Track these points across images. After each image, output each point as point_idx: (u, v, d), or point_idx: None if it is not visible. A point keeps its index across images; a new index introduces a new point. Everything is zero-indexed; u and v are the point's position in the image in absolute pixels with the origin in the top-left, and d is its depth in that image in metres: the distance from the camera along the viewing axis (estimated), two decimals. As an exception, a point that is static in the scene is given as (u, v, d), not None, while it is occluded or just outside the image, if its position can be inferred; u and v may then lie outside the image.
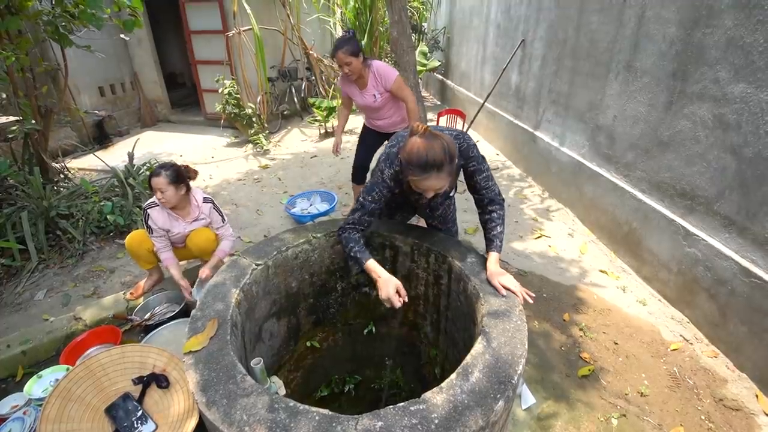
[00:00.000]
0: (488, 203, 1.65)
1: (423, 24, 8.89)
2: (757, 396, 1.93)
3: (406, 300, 1.47)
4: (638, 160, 2.80)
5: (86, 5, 3.22)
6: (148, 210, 2.30)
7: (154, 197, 2.32)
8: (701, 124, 2.28)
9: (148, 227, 2.32)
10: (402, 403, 1.01)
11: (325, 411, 1.00)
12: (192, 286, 2.34)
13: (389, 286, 1.45)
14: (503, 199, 1.68)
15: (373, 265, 1.52)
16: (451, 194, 1.82)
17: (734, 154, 2.10)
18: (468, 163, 1.60)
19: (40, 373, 1.85)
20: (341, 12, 7.31)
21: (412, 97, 2.81)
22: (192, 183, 2.40)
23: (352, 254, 1.55)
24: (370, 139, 3.16)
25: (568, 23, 3.54)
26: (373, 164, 2.24)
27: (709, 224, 2.27)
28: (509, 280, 1.45)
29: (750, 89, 1.99)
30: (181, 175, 2.25)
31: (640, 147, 2.76)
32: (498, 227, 1.61)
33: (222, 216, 2.50)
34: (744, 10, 2.00)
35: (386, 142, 1.70)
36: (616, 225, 3.04)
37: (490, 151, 5.50)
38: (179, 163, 2.35)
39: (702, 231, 2.32)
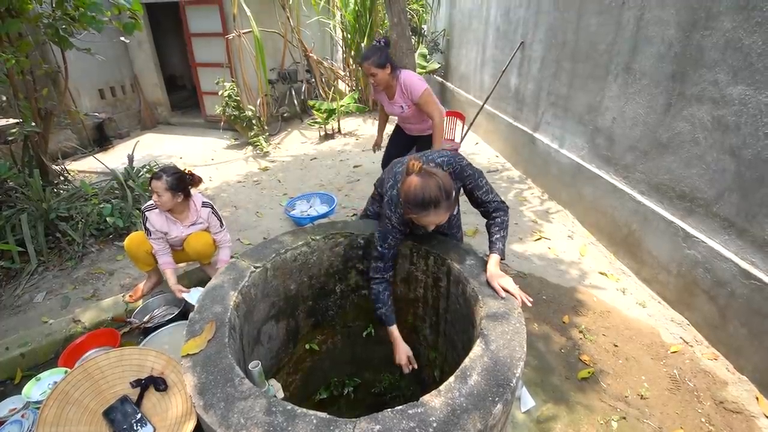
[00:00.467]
0: (492, 212, 1.68)
1: (422, 26, 8.90)
2: (757, 398, 1.93)
3: (416, 367, 1.69)
4: (637, 162, 2.80)
5: (86, 8, 3.23)
6: (146, 212, 2.31)
7: (153, 200, 2.33)
8: (700, 126, 2.28)
9: (146, 229, 2.33)
10: (400, 407, 1.01)
11: (323, 414, 1.00)
12: (189, 289, 2.34)
13: (402, 354, 1.66)
14: (507, 206, 1.71)
15: (394, 331, 1.68)
16: (454, 212, 1.83)
17: (733, 156, 2.10)
18: (465, 183, 1.64)
19: (38, 375, 1.85)
20: (341, 14, 7.33)
21: (438, 112, 2.72)
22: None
23: (378, 314, 1.67)
24: (401, 139, 3.20)
25: (567, 26, 3.54)
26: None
27: (709, 226, 2.27)
28: (508, 283, 1.46)
29: (749, 91, 1.99)
30: (182, 183, 2.26)
31: (640, 149, 2.76)
32: (501, 231, 1.63)
33: (221, 221, 2.50)
34: (742, 12, 2.00)
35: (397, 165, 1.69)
36: (616, 227, 3.04)
37: (489, 152, 5.50)
38: (180, 166, 2.35)
39: (701, 233, 2.31)
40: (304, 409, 1.01)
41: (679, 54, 2.39)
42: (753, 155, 1.99)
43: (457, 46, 7.02)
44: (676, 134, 2.45)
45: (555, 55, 3.78)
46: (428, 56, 8.04)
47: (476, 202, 1.70)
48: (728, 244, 2.16)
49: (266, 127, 6.19)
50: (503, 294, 1.43)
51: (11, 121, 4.14)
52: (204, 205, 2.44)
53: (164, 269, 2.39)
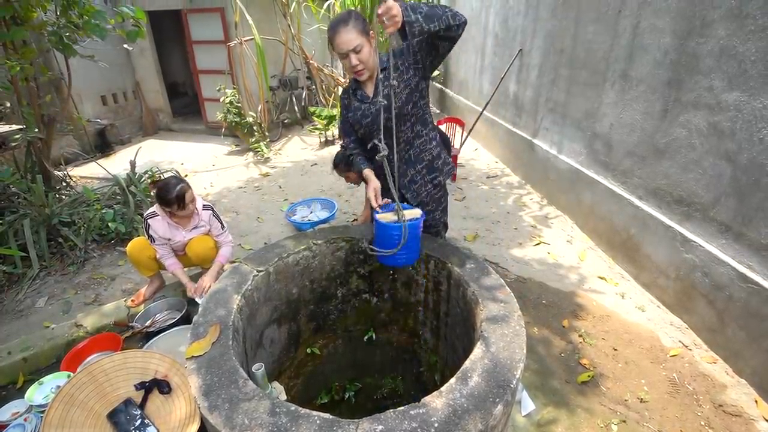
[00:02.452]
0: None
1: (422, 33, 8.97)
2: (756, 401, 1.94)
3: (380, 203, 1.68)
4: (635, 168, 2.83)
5: (90, 16, 3.28)
6: (148, 220, 2.33)
7: (155, 208, 2.35)
8: (696, 132, 2.31)
9: (150, 236, 2.35)
10: (402, 407, 1.02)
11: (326, 415, 1.01)
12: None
13: (371, 189, 1.72)
14: (456, 13, 1.45)
15: (368, 172, 1.79)
16: (369, 46, 1.60)
17: (729, 161, 2.13)
18: (405, 47, 1.62)
19: (41, 380, 1.86)
20: (341, 22, 7.38)
21: None
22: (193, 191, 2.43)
23: (358, 167, 1.84)
24: None
25: (565, 33, 3.59)
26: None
27: (706, 230, 2.29)
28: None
29: (743, 97, 2.03)
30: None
31: (637, 154, 2.79)
32: (424, 4, 1.43)
33: (222, 223, 2.52)
34: (736, 20, 2.04)
35: None
36: (615, 232, 3.06)
37: (488, 158, 5.54)
38: (182, 172, 2.39)
39: (699, 237, 2.34)
40: (308, 410, 1.02)
41: (674, 61, 2.43)
42: (748, 160, 2.02)
43: (456, 54, 7.08)
44: (672, 140, 2.48)
45: (553, 62, 3.83)
46: (428, 63, 8.08)
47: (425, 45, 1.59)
48: (725, 248, 2.18)
49: (267, 134, 6.23)
50: (383, 12, 1.29)
51: (14, 127, 4.18)
52: (205, 207, 2.46)
53: (174, 270, 2.41)
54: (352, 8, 1.57)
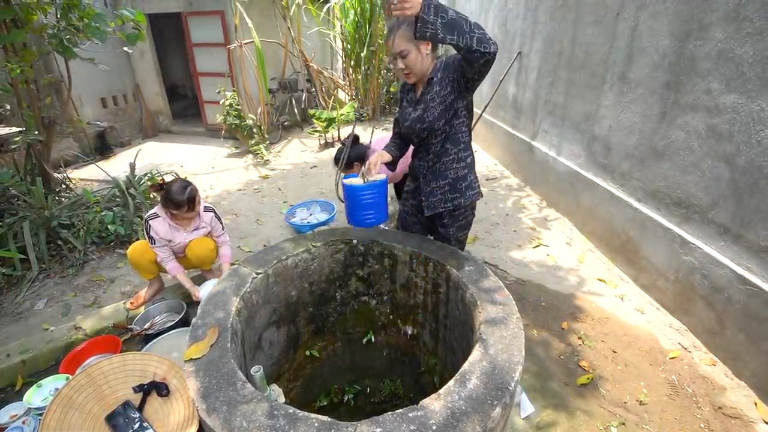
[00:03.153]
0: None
1: (421, 36, 9.00)
2: (756, 404, 1.94)
3: (374, 171, 1.76)
4: (634, 170, 2.83)
5: (91, 19, 3.29)
6: (149, 221, 2.33)
7: (156, 209, 2.36)
8: (695, 134, 2.32)
9: (150, 238, 2.35)
10: (400, 410, 1.02)
11: (324, 417, 1.01)
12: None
13: (374, 156, 1.81)
14: (487, 36, 1.37)
15: (383, 152, 1.86)
16: (418, 52, 1.61)
17: (727, 163, 2.13)
18: (450, 62, 1.66)
19: (39, 382, 1.86)
20: (341, 25, 7.42)
21: None
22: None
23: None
24: None
25: (564, 36, 3.61)
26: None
27: (705, 232, 2.30)
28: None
29: (741, 100, 2.03)
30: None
31: (636, 156, 2.80)
32: (453, 12, 1.33)
33: (222, 224, 2.55)
34: (734, 23, 2.05)
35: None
36: (614, 234, 3.06)
37: (488, 160, 5.55)
38: (181, 174, 2.40)
39: (698, 239, 2.34)
40: (306, 413, 1.02)
41: (673, 63, 2.44)
42: (747, 162, 2.03)
43: (456, 56, 7.10)
44: (671, 142, 2.49)
45: (552, 65, 3.84)
46: (427, 65, 8.11)
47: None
48: (724, 250, 2.18)
49: (267, 136, 6.24)
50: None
51: (14, 129, 4.18)
52: (206, 209, 2.48)
53: (175, 274, 2.42)
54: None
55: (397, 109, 1.92)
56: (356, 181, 1.74)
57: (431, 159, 1.83)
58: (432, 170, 1.84)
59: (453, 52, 1.59)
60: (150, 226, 2.33)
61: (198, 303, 2.28)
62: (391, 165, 1.94)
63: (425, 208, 1.89)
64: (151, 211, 2.37)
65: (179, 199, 2.21)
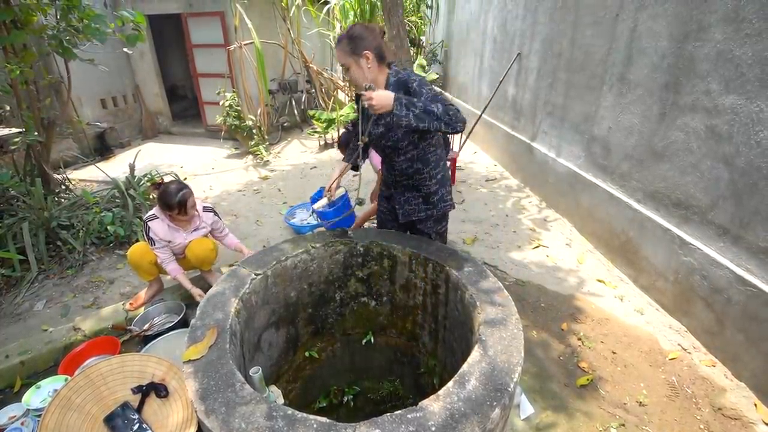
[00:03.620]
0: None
1: (421, 38, 9.03)
2: (755, 405, 1.93)
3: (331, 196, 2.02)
4: (633, 171, 2.83)
5: (91, 20, 3.29)
6: (148, 223, 2.33)
7: (154, 210, 2.36)
8: (694, 135, 2.32)
9: (150, 239, 2.35)
10: (399, 411, 1.02)
11: (323, 419, 1.01)
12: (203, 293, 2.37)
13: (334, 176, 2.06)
14: (455, 111, 1.57)
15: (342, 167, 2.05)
16: (356, 62, 1.67)
17: (727, 164, 2.13)
18: (409, 87, 1.68)
19: (38, 383, 1.85)
20: (340, 26, 7.43)
21: None
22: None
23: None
24: None
25: (563, 37, 3.61)
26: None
27: (704, 233, 2.30)
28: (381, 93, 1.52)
29: (740, 101, 2.03)
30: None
31: (635, 157, 2.80)
32: (425, 104, 1.53)
33: (222, 224, 2.57)
34: (732, 24, 2.05)
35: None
36: (613, 235, 3.06)
37: (487, 161, 5.55)
38: (181, 175, 2.41)
39: (697, 240, 2.34)
40: (305, 414, 1.02)
41: (672, 65, 2.44)
42: (746, 163, 2.03)
43: (455, 57, 7.12)
44: (670, 143, 2.49)
45: (551, 66, 3.84)
46: (427, 67, 8.14)
47: None
48: (724, 251, 2.18)
49: (266, 137, 6.24)
50: (365, 100, 1.51)
51: (14, 130, 4.18)
52: (206, 209, 2.48)
53: (176, 275, 2.41)
54: (357, 25, 1.68)
55: (353, 120, 2.01)
56: (323, 201, 2.15)
57: (400, 175, 1.90)
58: (403, 185, 1.93)
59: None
60: (149, 227, 2.33)
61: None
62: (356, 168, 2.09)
63: (400, 215, 1.97)
64: (150, 212, 2.37)
65: (171, 201, 2.21)
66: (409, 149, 1.80)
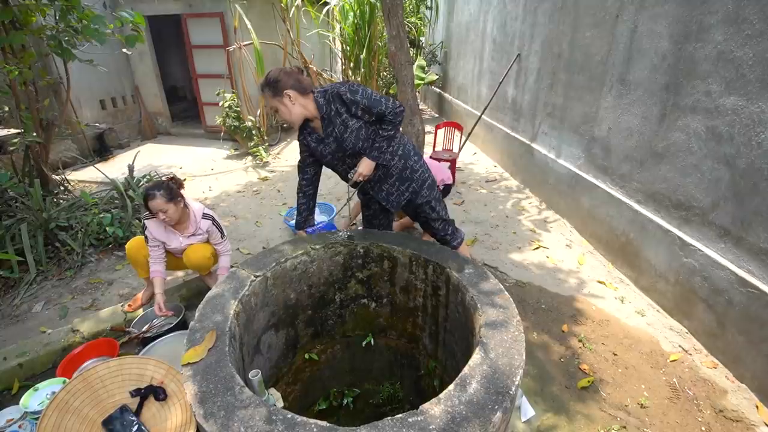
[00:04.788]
0: (377, 119, 1.88)
1: (421, 39, 9.03)
2: (757, 407, 1.93)
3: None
4: (633, 172, 2.83)
5: (90, 21, 3.28)
6: (145, 221, 2.34)
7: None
8: (695, 136, 2.31)
9: (145, 236, 2.35)
10: (400, 415, 1.01)
11: (323, 423, 1.00)
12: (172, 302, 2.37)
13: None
14: (393, 110, 1.83)
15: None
16: (279, 104, 1.86)
17: (728, 165, 2.13)
18: (342, 97, 1.84)
19: (36, 386, 1.84)
20: (340, 27, 7.43)
21: None
22: (191, 195, 2.42)
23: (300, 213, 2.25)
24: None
25: (563, 38, 3.61)
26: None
27: (705, 234, 2.29)
28: (361, 166, 1.92)
29: (741, 101, 2.03)
30: (174, 191, 2.25)
31: (635, 158, 2.79)
32: (382, 142, 1.88)
33: (222, 232, 2.51)
34: (733, 24, 2.05)
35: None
36: (613, 236, 3.05)
37: (487, 162, 5.54)
38: (180, 176, 2.38)
39: (698, 241, 2.33)
40: (305, 418, 1.01)
41: (672, 65, 2.44)
42: (747, 164, 2.02)
43: (455, 58, 7.12)
44: (671, 144, 2.48)
45: (551, 67, 3.84)
46: (426, 68, 8.14)
47: (368, 112, 1.86)
48: (725, 252, 2.17)
49: (266, 138, 6.23)
50: (356, 177, 1.93)
51: (13, 131, 4.17)
52: (205, 216, 2.45)
53: (153, 277, 2.37)
54: (272, 70, 1.86)
55: (302, 154, 2.12)
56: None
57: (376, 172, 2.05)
58: (377, 179, 2.07)
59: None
60: (145, 225, 2.33)
61: (161, 314, 2.31)
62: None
63: (390, 207, 2.11)
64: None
65: (144, 194, 2.20)
66: (366, 146, 1.93)
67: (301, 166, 2.14)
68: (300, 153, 2.11)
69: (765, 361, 1.94)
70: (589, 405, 1.96)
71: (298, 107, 1.85)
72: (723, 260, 2.16)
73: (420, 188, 2.11)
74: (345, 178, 2.09)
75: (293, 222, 3.62)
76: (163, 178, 2.34)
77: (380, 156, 1.90)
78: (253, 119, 5.95)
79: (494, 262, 3.14)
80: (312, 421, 1.00)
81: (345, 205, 2.13)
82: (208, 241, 2.52)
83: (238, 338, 1.40)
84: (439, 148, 4.89)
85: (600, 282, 2.89)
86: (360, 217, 3.31)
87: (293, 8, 6.30)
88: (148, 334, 2.26)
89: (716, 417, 1.90)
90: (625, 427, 1.84)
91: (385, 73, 7.98)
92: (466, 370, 1.15)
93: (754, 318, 1.99)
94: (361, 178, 1.94)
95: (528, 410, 1.87)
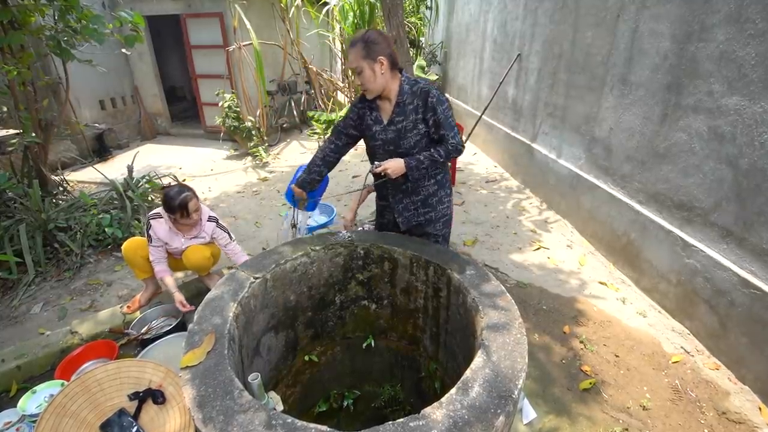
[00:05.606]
0: (437, 140, 1.82)
1: (421, 39, 9.01)
2: (760, 408, 1.91)
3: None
4: (635, 172, 2.81)
5: (89, 21, 3.26)
6: (150, 220, 2.32)
7: (160, 210, 2.34)
8: (696, 136, 2.30)
9: (149, 236, 2.33)
10: (401, 419, 1.00)
11: (324, 427, 0.99)
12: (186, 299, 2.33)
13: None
14: (458, 147, 1.78)
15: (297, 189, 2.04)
16: (372, 68, 1.68)
17: (730, 166, 2.11)
18: (427, 101, 1.74)
19: (34, 388, 1.83)
20: (340, 27, 7.42)
21: None
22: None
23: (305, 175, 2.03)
24: None
25: (563, 38, 3.59)
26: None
27: (707, 235, 2.28)
28: (388, 163, 1.75)
29: (744, 101, 2.02)
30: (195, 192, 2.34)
31: (637, 159, 2.78)
32: (427, 160, 1.76)
33: (229, 234, 2.52)
34: (735, 24, 2.04)
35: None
36: (615, 236, 3.04)
37: (488, 162, 5.53)
38: (180, 177, 2.39)
39: (700, 242, 2.32)
40: (305, 422, 1.00)
41: (674, 65, 2.42)
42: (749, 164, 2.01)
43: (455, 58, 7.10)
44: (672, 144, 2.47)
45: (552, 67, 3.83)
46: (426, 68, 8.13)
47: (434, 127, 1.79)
48: (727, 253, 2.16)
49: (266, 138, 6.22)
50: (378, 170, 1.76)
51: (11, 131, 4.15)
52: (210, 219, 2.45)
53: (162, 277, 2.38)
54: (371, 30, 1.71)
55: (345, 118, 1.93)
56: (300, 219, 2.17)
57: (401, 179, 1.87)
58: (403, 189, 1.93)
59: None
60: (150, 224, 2.32)
61: (185, 310, 2.27)
62: (315, 192, 2.10)
63: (400, 224, 1.97)
64: (155, 211, 2.36)
65: (172, 204, 2.20)
66: (414, 154, 1.81)
67: (339, 131, 1.93)
68: (345, 118, 1.92)
69: (768, 362, 1.93)
70: (590, 407, 1.94)
71: (383, 79, 1.70)
72: (725, 261, 2.15)
73: (436, 220, 1.98)
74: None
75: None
76: (173, 183, 2.36)
77: (416, 168, 1.76)
78: (253, 119, 5.94)
79: (495, 262, 3.13)
80: (312, 425, 0.99)
81: (357, 190, 1.98)
82: (208, 243, 2.51)
83: (237, 341, 1.38)
84: (439, 148, 4.86)
85: (601, 283, 2.87)
86: (360, 217, 3.31)
87: (293, 8, 6.29)
88: (147, 336, 2.24)
89: (719, 419, 1.88)
90: (627, 429, 1.83)
91: (385, 73, 7.95)
92: (468, 373, 1.14)
93: (757, 319, 1.97)
94: (383, 175, 1.78)
95: (530, 412, 1.86)
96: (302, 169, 2.04)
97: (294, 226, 2.24)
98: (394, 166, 1.74)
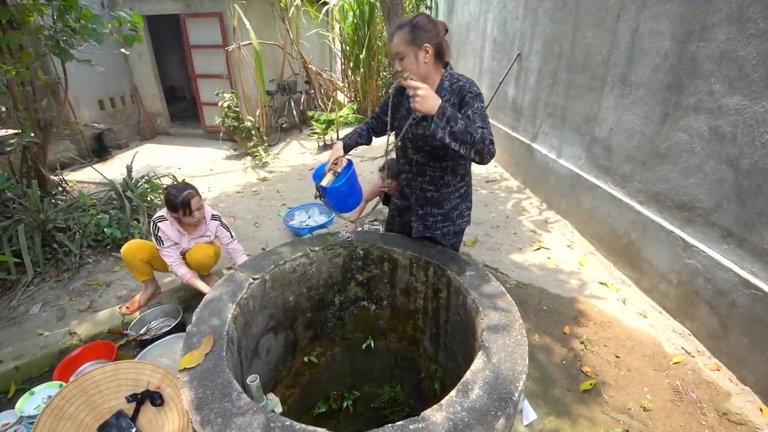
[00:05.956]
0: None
1: (420, 38, 9.00)
2: (761, 409, 1.91)
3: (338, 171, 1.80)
4: (635, 172, 2.81)
5: (88, 20, 3.26)
6: (158, 223, 2.31)
7: (163, 212, 2.33)
8: (697, 136, 2.29)
9: (158, 239, 2.32)
10: (400, 422, 0.99)
11: (323, 430, 0.98)
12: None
13: (334, 152, 1.82)
14: (490, 141, 1.47)
15: (340, 143, 1.85)
16: (415, 56, 1.56)
17: (731, 166, 2.11)
18: (464, 96, 1.59)
19: (32, 389, 1.82)
20: (340, 27, 7.42)
21: None
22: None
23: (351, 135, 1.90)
24: None
25: (564, 38, 3.59)
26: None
27: (708, 235, 2.27)
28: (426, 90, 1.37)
29: (745, 101, 2.01)
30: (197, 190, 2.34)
31: (637, 159, 2.77)
32: (466, 122, 1.43)
33: (230, 232, 2.52)
34: (736, 24, 2.03)
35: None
36: (615, 236, 3.03)
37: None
38: (179, 177, 2.38)
39: (701, 242, 2.31)
40: (303, 425, 0.99)
41: (674, 65, 2.42)
42: (750, 165, 2.00)
43: (455, 58, 7.09)
44: (673, 144, 2.46)
45: (552, 67, 3.82)
46: (426, 67, 8.11)
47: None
48: (728, 253, 2.15)
49: (265, 138, 6.21)
50: (411, 89, 1.37)
51: (10, 131, 4.14)
52: (213, 218, 2.45)
53: (188, 280, 2.39)
54: (421, 15, 1.60)
55: (384, 103, 1.83)
56: (329, 177, 1.83)
57: (428, 183, 1.79)
58: (428, 197, 1.82)
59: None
60: (158, 227, 2.30)
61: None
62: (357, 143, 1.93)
63: (413, 232, 1.86)
64: (159, 213, 2.35)
65: (174, 201, 2.19)
66: (446, 158, 1.71)
67: (377, 115, 1.88)
68: (381, 105, 1.85)
69: (769, 363, 1.93)
70: (591, 408, 1.94)
71: (425, 68, 1.58)
72: (726, 261, 2.15)
73: (451, 234, 1.89)
74: (404, 166, 1.84)
75: (292, 223, 3.62)
76: (181, 180, 2.36)
77: (446, 119, 1.38)
78: (253, 119, 5.93)
79: (495, 263, 3.12)
80: (311, 428, 0.98)
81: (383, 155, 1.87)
82: (211, 242, 2.52)
83: (235, 342, 1.38)
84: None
85: (601, 283, 2.87)
86: (364, 213, 3.27)
87: (292, 8, 6.28)
88: (146, 337, 2.24)
89: (720, 420, 1.88)
90: (627, 431, 1.82)
91: (384, 73, 7.96)
92: (468, 375, 1.13)
93: (758, 320, 1.97)
94: (413, 92, 1.38)
95: (530, 413, 1.85)
96: (324, 166, 1.94)
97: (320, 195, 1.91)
98: (431, 97, 1.37)
